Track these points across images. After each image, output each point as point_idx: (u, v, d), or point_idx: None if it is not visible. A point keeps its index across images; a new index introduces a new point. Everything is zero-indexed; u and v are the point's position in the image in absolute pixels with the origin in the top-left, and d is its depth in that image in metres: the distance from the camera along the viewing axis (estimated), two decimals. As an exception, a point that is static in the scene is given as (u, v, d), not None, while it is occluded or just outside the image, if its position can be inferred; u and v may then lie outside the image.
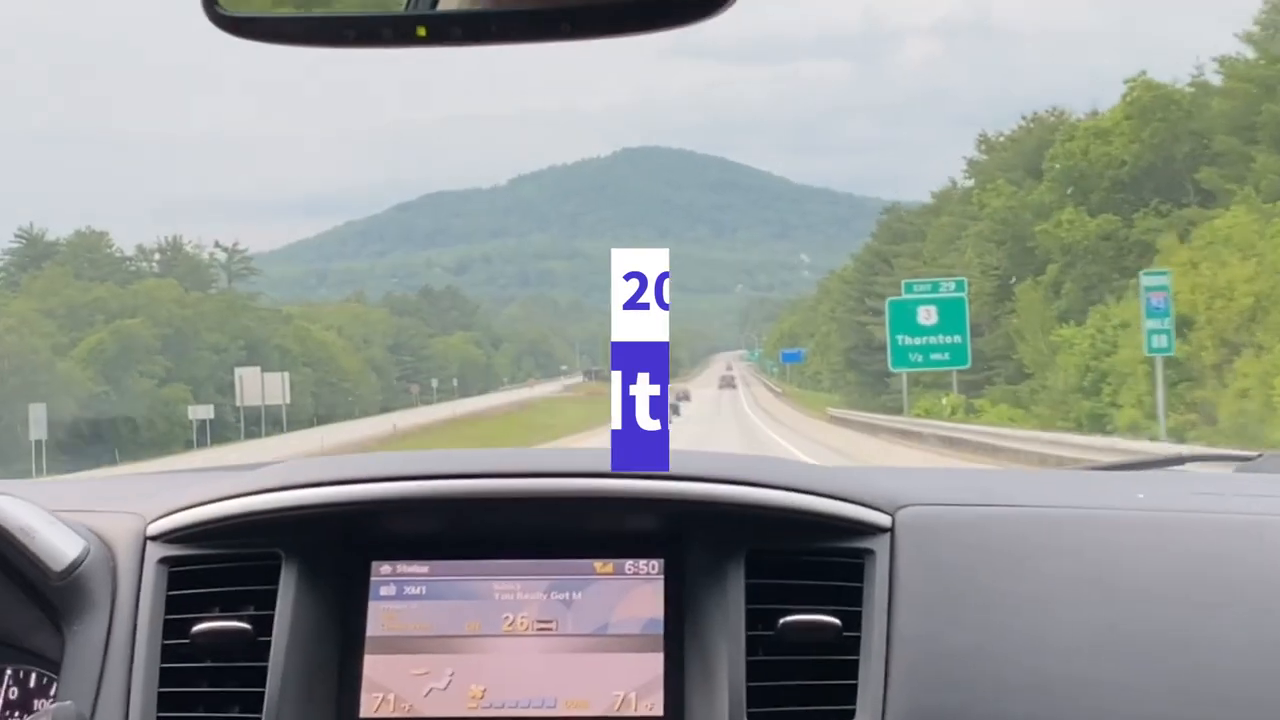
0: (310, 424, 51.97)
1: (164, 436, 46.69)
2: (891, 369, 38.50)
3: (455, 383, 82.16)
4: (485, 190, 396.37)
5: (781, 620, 1.49)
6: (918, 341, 36.53)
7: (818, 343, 77.46)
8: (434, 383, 76.15)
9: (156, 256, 63.56)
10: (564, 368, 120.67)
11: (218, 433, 48.94)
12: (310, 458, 1.79)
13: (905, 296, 37.77)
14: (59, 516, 1.58)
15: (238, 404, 48.91)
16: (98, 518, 1.64)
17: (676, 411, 57.83)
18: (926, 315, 36.23)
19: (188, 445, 45.75)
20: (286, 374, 49.46)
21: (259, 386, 48.25)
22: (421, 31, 1.14)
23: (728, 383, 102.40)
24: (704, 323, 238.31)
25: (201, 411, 46.54)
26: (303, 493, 1.56)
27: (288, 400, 50.17)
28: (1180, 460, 2.21)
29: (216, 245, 70.17)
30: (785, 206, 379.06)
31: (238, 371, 49.62)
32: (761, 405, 72.57)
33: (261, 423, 50.42)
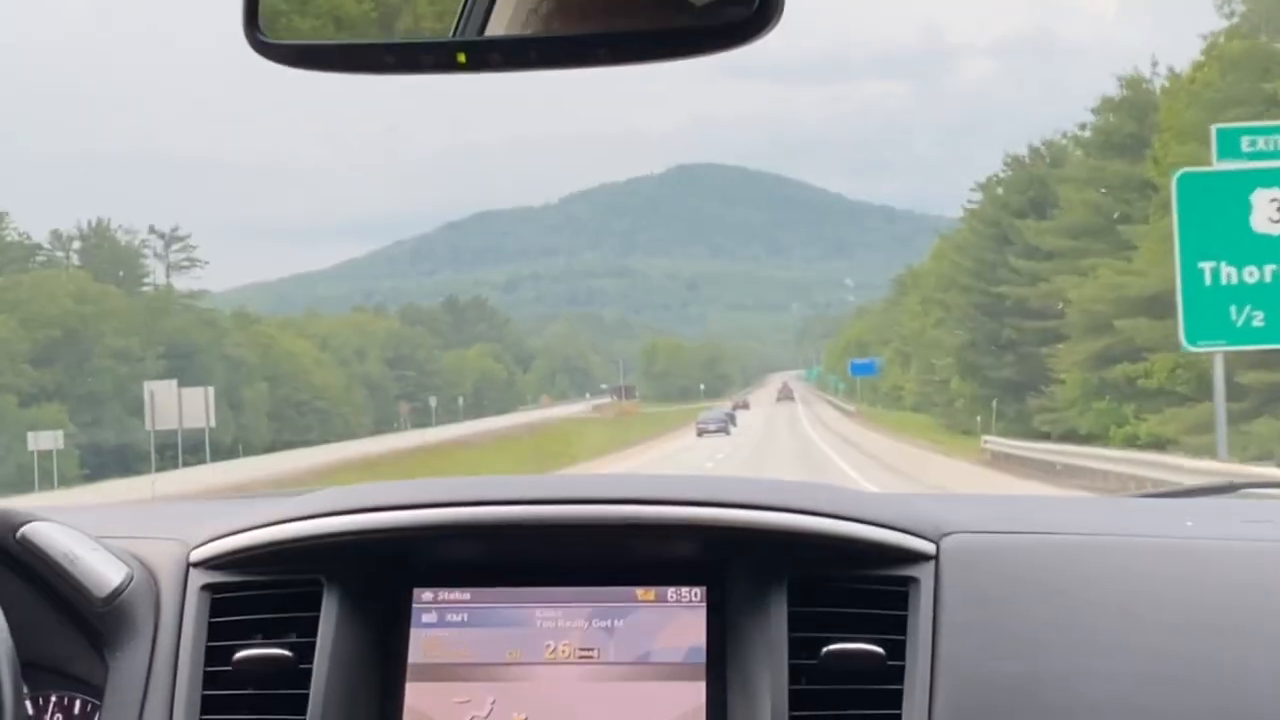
0: (259, 451, 43.37)
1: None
2: (1187, 344, 16.08)
3: (461, 401, 69.52)
4: (536, 209, 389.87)
5: (825, 649, 1.48)
6: (1255, 277, 15.25)
7: (896, 350, 64.21)
8: (432, 401, 63.44)
9: (76, 244, 51.57)
10: (604, 386, 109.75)
11: (126, 463, 36.47)
12: (354, 486, 1.78)
13: (1225, 167, 15.79)
14: (102, 543, 1.59)
15: (148, 427, 36.03)
16: (141, 544, 1.65)
17: (733, 422, 54.38)
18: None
19: (20, 486, 33.01)
20: (210, 389, 36.74)
21: (174, 405, 35.14)
22: (461, 58, 1.16)
23: (785, 395, 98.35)
24: (757, 341, 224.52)
25: (45, 440, 33.98)
26: (345, 519, 1.57)
27: (211, 423, 37.24)
28: (1233, 487, 2.16)
29: (151, 231, 57.82)
30: (842, 224, 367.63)
31: (147, 387, 37.04)
32: (833, 429, 56.63)
33: (178, 450, 37.84)
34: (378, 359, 68.28)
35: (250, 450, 43.94)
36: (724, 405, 74.28)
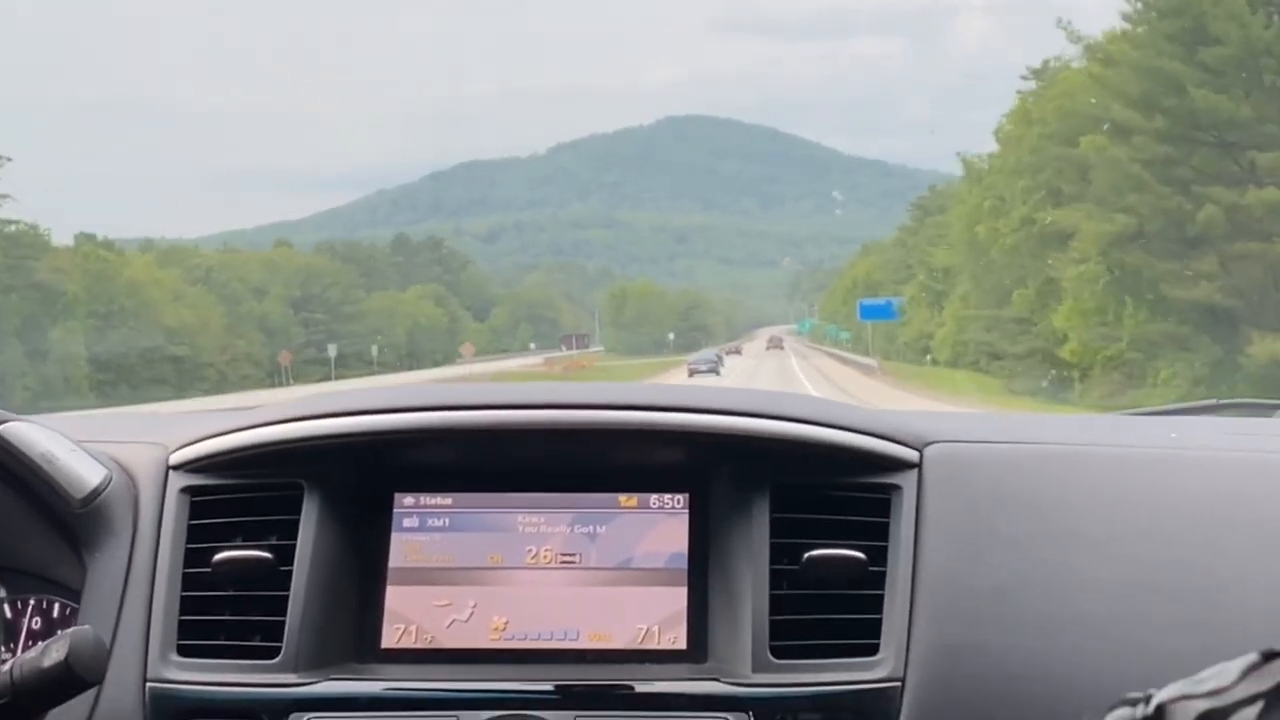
0: (71, 407, 31.34)
1: None
2: None
3: (375, 350, 56.04)
4: (523, 159, 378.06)
5: (806, 554, 1.49)
6: None
7: (922, 287, 47.84)
8: (331, 350, 50.40)
9: None
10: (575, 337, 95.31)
11: None
12: (335, 391, 1.74)
13: None
14: (81, 445, 1.60)
15: None
16: (120, 447, 1.65)
17: (721, 363, 54.23)
18: None
19: None
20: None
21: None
22: None
23: (775, 344, 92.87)
24: (748, 296, 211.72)
25: None
26: (326, 422, 1.57)
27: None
28: (1217, 406, 2.18)
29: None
30: (836, 179, 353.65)
31: None
32: (853, 394, 37.66)
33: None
34: (280, 298, 55.06)
35: (60, 407, 31.02)
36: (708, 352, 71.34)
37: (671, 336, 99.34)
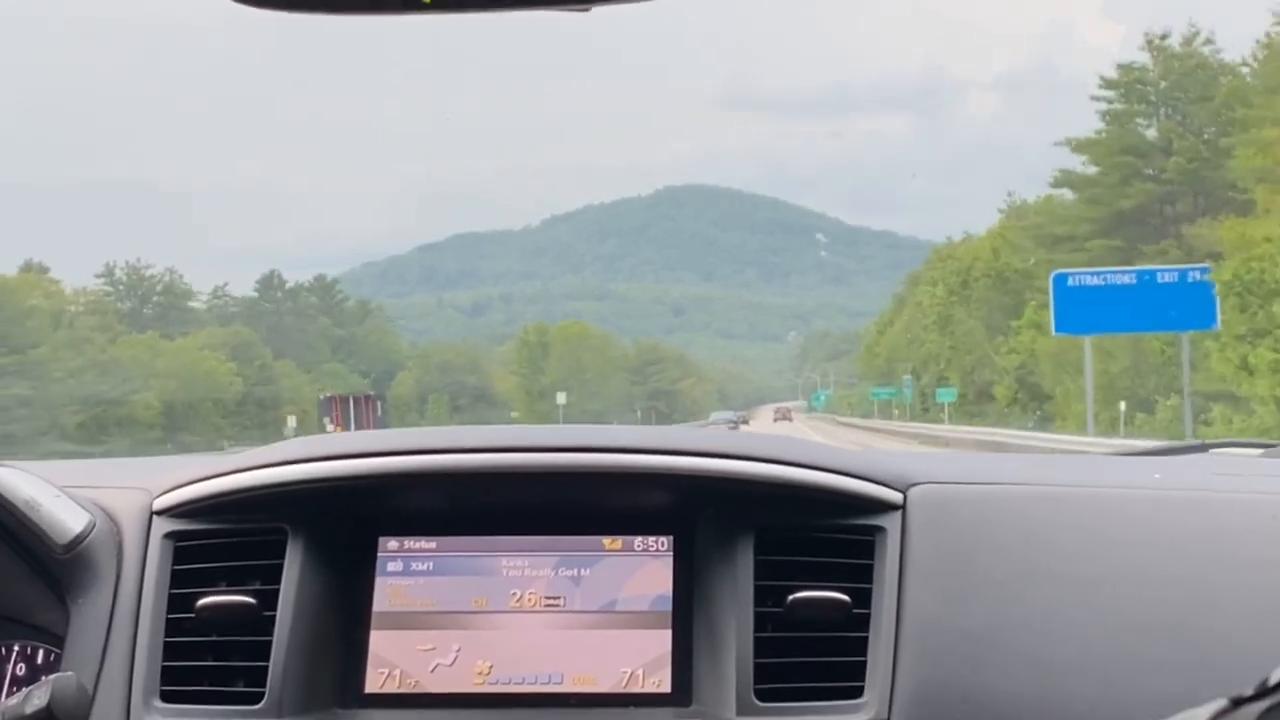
0: None
1: None
2: None
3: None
4: (516, 232, 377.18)
5: (790, 597, 1.53)
6: None
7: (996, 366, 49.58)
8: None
9: None
10: (514, 414, 72.36)
11: None
12: (318, 435, 1.83)
13: None
14: (65, 491, 1.65)
15: None
16: (104, 493, 1.69)
17: (746, 422, 55.89)
18: None
19: None
20: None
21: None
22: None
23: (783, 415, 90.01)
24: (750, 371, 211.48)
25: None
26: (309, 467, 1.62)
27: None
28: (1204, 447, 2.22)
29: None
30: (843, 250, 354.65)
31: None
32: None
33: None
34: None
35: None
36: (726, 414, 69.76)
37: (638, 412, 77.61)
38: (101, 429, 46.04)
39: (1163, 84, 45.58)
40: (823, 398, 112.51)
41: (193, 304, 71.90)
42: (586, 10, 1.13)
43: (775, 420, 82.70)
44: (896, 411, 69.73)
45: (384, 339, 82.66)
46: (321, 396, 54.23)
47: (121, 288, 68.12)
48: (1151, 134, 46.17)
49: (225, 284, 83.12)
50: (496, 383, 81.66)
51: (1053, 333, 30.99)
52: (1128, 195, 44.47)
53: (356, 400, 51.83)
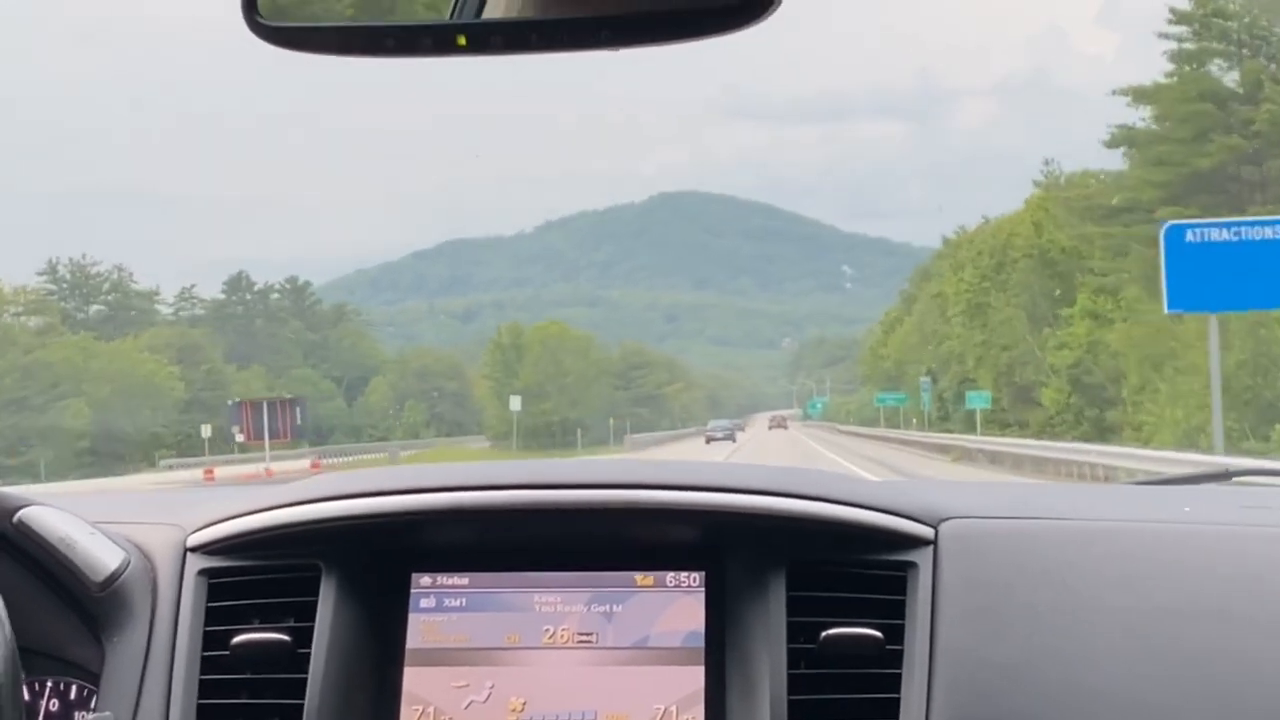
0: None
1: None
2: None
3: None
4: (509, 238, 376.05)
5: (823, 633, 1.55)
6: None
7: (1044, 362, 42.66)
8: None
9: None
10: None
11: None
12: (350, 471, 1.85)
13: None
14: (99, 528, 1.67)
15: None
16: (138, 529, 1.72)
17: (741, 428, 59.03)
18: None
19: None
20: None
21: None
22: (461, 41, 1.18)
23: (779, 423, 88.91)
24: (743, 377, 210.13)
25: None
26: (343, 504, 1.64)
27: None
28: (1228, 474, 2.24)
29: None
30: (839, 257, 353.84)
31: None
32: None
33: None
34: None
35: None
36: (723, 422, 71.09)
37: (612, 421, 70.39)
38: (21, 438, 43.82)
39: (1246, 17, 36.30)
40: (819, 405, 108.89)
41: (158, 306, 70.95)
42: (615, 51, 1.14)
43: (770, 428, 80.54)
44: (915, 420, 61.92)
45: (359, 343, 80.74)
46: (230, 402, 51.91)
47: (65, 286, 66.61)
48: (1233, 78, 36.97)
49: (193, 285, 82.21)
50: (476, 389, 79.63)
51: (1164, 309, 20.98)
52: (1205, 154, 35.60)
53: (271, 405, 49.52)
